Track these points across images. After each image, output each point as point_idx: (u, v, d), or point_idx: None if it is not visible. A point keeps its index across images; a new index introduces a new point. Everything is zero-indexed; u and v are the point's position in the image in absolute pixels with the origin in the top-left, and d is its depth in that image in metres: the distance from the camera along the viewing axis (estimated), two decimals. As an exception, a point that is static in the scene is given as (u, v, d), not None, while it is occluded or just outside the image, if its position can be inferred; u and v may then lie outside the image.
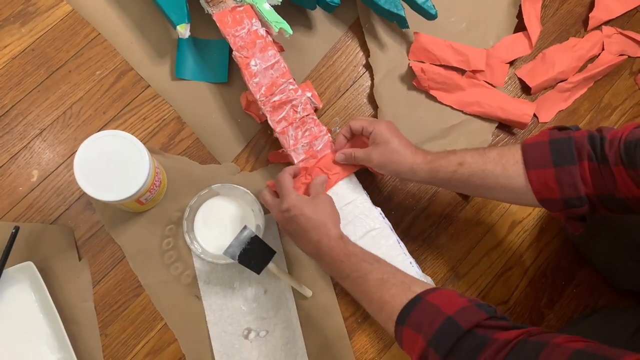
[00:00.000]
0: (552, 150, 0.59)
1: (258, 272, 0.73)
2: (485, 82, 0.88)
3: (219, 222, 0.78)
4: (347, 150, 0.75)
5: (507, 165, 0.62)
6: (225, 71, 0.85)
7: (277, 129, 0.77)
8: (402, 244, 0.75)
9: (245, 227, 0.72)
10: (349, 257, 0.63)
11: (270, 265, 0.74)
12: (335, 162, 0.76)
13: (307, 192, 0.74)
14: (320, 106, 0.82)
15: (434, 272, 0.83)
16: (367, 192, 0.78)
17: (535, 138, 0.62)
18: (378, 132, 0.70)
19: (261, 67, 0.77)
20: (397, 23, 0.86)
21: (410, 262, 0.74)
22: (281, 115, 0.77)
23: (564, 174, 0.58)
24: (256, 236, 0.72)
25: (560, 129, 0.62)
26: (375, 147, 0.71)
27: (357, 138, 0.76)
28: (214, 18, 0.78)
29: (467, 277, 0.83)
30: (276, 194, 0.73)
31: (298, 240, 0.69)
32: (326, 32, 0.89)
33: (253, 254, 0.72)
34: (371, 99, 0.88)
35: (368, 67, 0.89)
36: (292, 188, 0.69)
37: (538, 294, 0.84)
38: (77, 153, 0.65)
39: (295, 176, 0.74)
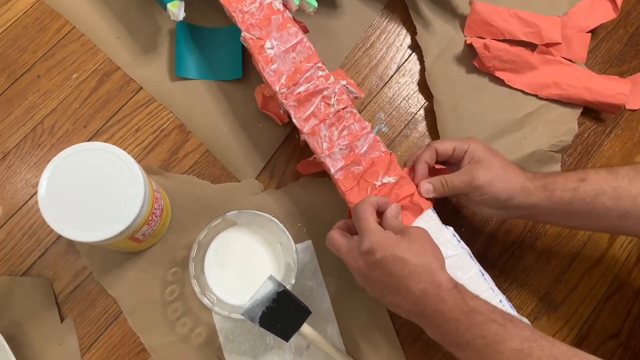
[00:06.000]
0: None
1: (286, 338, 0.54)
2: (562, 58, 0.71)
3: (237, 261, 0.60)
4: (434, 179, 0.58)
5: None
6: (239, 64, 0.68)
7: (305, 128, 0.59)
8: (486, 275, 0.56)
9: (270, 278, 0.53)
10: (469, 315, 0.46)
11: (304, 329, 0.55)
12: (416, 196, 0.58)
13: None
14: (362, 96, 0.63)
15: (522, 302, 0.65)
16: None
17: None
18: (475, 148, 0.56)
19: (279, 50, 0.59)
20: (448, -9, 0.70)
21: (501, 300, 0.55)
22: (310, 111, 0.59)
23: None
24: (284, 290, 0.53)
25: None
26: (476, 165, 0.55)
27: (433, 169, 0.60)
28: (216, -9, 0.61)
29: (564, 306, 0.65)
30: (349, 233, 0.54)
31: (389, 294, 0.50)
32: (358, 12, 0.73)
33: (280, 314, 0.53)
34: (422, 87, 0.71)
35: (415, 47, 0.72)
36: (375, 222, 0.51)
37: (657, 321, 0.65)
38: (43, 176, 0.47)
39: (382, 209, 0.54)
